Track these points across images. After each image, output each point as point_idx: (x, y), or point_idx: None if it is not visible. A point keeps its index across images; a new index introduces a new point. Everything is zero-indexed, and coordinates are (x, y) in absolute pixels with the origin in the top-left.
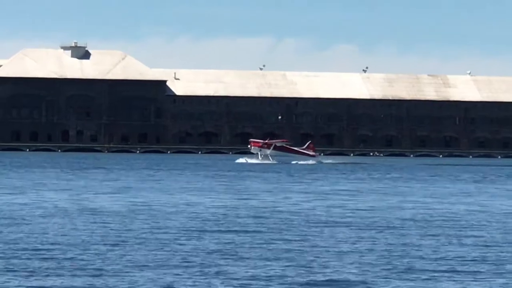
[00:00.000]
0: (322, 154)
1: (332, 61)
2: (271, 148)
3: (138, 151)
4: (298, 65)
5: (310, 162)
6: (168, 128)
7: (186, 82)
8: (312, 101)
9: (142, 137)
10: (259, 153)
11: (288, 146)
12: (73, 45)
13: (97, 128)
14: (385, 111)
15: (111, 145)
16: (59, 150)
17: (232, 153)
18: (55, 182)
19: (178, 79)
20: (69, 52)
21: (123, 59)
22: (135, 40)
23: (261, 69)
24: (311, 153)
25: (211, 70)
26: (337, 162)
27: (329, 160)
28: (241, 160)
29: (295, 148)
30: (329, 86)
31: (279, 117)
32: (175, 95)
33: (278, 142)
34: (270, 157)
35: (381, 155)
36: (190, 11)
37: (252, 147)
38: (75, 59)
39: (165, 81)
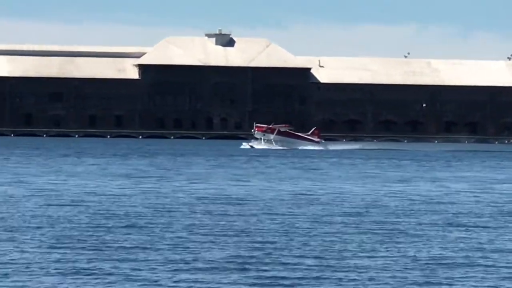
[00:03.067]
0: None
1: (476, 48)
2: (275, 133)
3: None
4: (443, 53)
5: (316, 147)
6: (312, 116)
7: (330, 70)
8: (456, 89)
9: (287, 124)
10: (262, 138)
11: (291, 132)
12: (217, 32)
13: (241, 116)
14: None
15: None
16: (203, 138)
17: (376, 141)
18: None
19: (322, 66)
20: (213, 39)
21: (267, 46)
22: (280, 27)
23: (405, 56)
24: (316, 139)
25: (355, 57)
26: (343, 148)
27: (335, 146)
28: (245, 145)
29: (299, 134)
30: (473, 74)
31: (423, 105)
32: (319, 83)
33: (282, 127)
34: (273, 142)
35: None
36: None
37: (256, 132)
38: (220, 47)
39: (309, 69)
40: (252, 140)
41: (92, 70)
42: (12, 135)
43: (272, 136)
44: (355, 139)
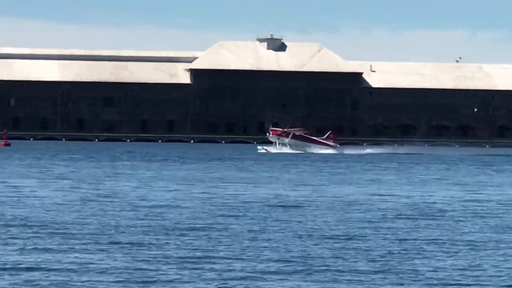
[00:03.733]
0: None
1: None
2: (290, 136)
3: (396, 145)
4: (494, 57)
5: (330, 151)
6: (364, 120)
7: (382, 74)
8: (508, 93)
9: (338, 129)
10: (277, 141)
11: (306, 135)
12: (269, 37)
13: (293, 120)
14: None
15: None
16: (255, 142)
17: (427, 145)
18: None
19: (374, 71)
20: (265, 44)
21: (319, 51)
22: (331, 32)
23: (457, 61)
24: (331, 143)
25: (407, 62)
26: (357, 153)
27: (350, 150)
28: (261, 149)
29: (314, 138)
30: None
31: (475, 110)
32: (371, 87)
33: (297, 131)
34: (288, 146)
35: None
36: (386, 3)
37: (271, 136)
38: (271, 51)
39: (361, 73)
40: (265, 144)
41: (144, 74)
42: (64, 139)
43: (287, 140)
44: (401, 144)
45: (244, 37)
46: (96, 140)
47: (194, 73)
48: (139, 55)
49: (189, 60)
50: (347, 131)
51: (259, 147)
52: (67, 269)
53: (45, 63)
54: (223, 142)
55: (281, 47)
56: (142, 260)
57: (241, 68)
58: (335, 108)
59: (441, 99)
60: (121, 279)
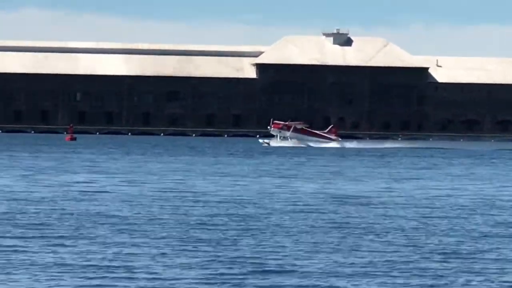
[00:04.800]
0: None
1: None
2: (291, 130)
3: (399, 138)
4: None
5: (333, 145)
6: (430, 116)
7: (448, 70)
8: None
9: (404, 124)
10: (278, 134)
11: (308, 129)
12: (335, 32)
13: (358, 115)
14: None
15: (372, 132)
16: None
17: (493, 141)
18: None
19: (440, 66)
20: (331, 39)
21: (384, 46)
22: (397, 27)
23: None
24: (333, 137)
25: (472, 57)
26: (360, 147)
27: (352, 144)
28: (263, 143)
29: (316, 131)
30: None
31: None
32: (437, 82)
33: (298, 124)
34: (289, 139)
35: None
36: None
37: (272, 129)
38: (337, 46)
39: (427, 68)
40: (265, 138)
41: (209, 69)
42: (130, 133)
43: (288, 133)
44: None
45: (310, 31)
46: (162, 134)
47: (260, 67)
48: (204, 49)
49: (255, 54)
50: (413, 127)
51: (260, 140)
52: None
53: (110, 57)
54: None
55: (347, 41)
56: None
57: (306, 63)
58: (400, 103)
59: (507, 95)
60: None
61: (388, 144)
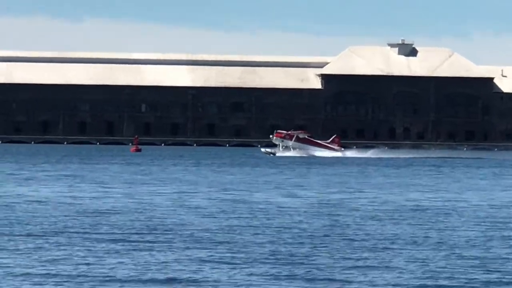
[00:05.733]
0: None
1: None
2: (293, 139)
3: (465, 149)
4: None
5: (335, 154)
6: (495, 126)
7: None
8: None
9: (469, 134)
10: (280, 144)
11: (310, 139)
12: (400, 42)
13: (424, 125)
14: None
15: (438, 143)
16: (386, 148)
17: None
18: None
19: (505, 76)
20: (396, 49)
21: (450, 56)
22: (462, 37)
23: None
24: (336, 147)
25: None
26: (360, 156)
27: (353, 154)
28: (264, 152)
29: (318, 141)
30: None
31: None
32: (502, 92)
33: (301, 134)
34: (292, 149)
35: None
36: None
37: (275, 138)
38: (402, 56)
39: (492, 78)
40: (267, 147)
41: (273, 80)
42: (195, 144)
43: (290, 143)
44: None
45: (374, 42)
46: (227, 145)
47: (325, 78)
48: (269, 60)
49: (320, 65)
50: (479, 136)
51: (262, 149)
52: None
53: (175, 68)
54: (355, 147)
55: (412, 52)
56: None
57: (371, 73)
58: (466, 113)
59: None
60: None
61: (402, 154)
